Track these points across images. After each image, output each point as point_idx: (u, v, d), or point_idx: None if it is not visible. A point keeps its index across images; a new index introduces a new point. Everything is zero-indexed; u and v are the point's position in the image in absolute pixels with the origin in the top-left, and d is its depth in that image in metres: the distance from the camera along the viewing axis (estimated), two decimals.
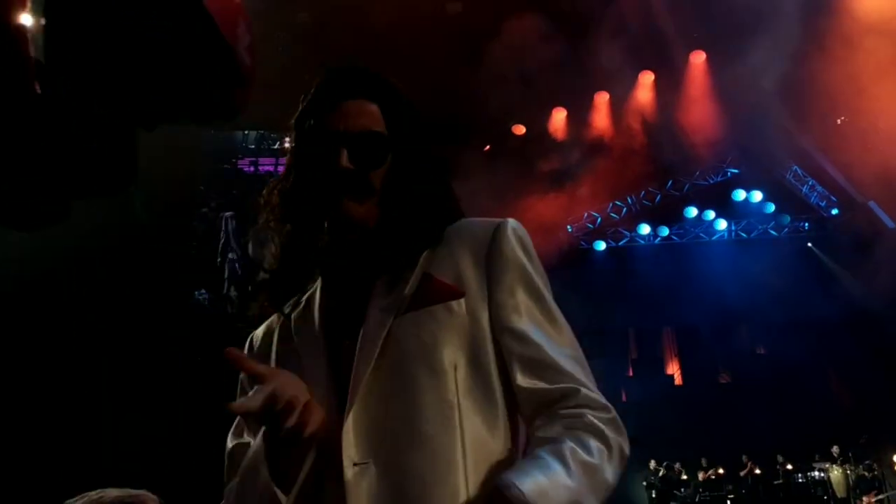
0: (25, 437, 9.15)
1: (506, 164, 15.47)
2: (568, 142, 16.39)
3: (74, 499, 1.98)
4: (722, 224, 18.18)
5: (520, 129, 16.42)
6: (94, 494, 1.99)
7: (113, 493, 2.00)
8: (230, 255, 13.36)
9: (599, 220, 18.44)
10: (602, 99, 16.46)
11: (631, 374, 19.21)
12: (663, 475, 16.24)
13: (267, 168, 16.07)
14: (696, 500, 15.51)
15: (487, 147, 15.92)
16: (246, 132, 16.12)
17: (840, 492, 15.10)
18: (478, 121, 14.80)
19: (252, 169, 16.07)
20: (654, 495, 16.13)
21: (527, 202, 15.94)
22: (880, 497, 14.33)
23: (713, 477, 16.31)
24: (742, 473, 16.23)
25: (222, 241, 13.43)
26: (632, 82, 16.14)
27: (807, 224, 18.24)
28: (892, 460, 15.73)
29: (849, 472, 15.17)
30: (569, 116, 16.57)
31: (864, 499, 14.36)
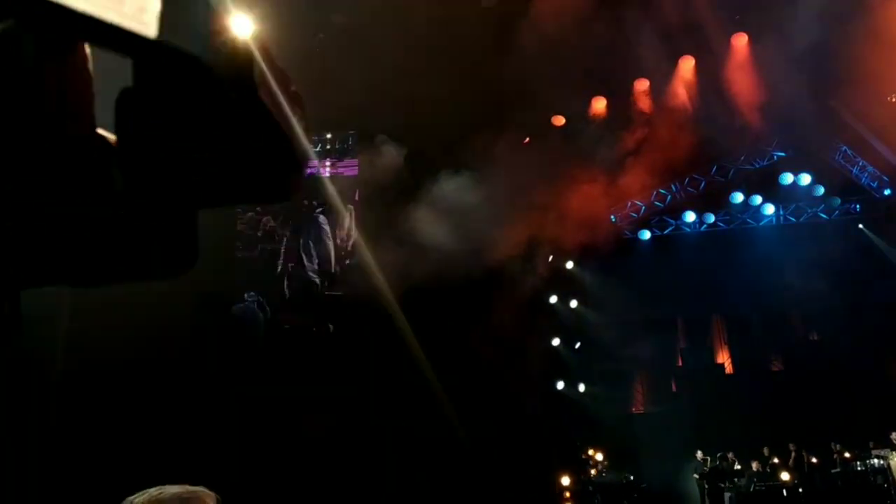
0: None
1: (546, 156, 15.41)
2: (608, 131, 16.23)
3: (135, 495, 2.03)
4: (770, 209, 17.83)
5: (559, 120, 16.31)
6: (154, 491, 2.04)
7: (172, 489, 2.04)
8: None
9: (644, 208, 18.24)
10: (642, 86, 16.28)
11: (680, 363, 18.98)
12: (714, 466, 16.02)
13: (310, 171, 16.21)
14: (751, 489, 15.23)
15: (527, 139, 15.83)
16: None
17: None
18: (518, 112, 14.74)
19: None
20: (706, 486, 15.91)
21: (569, 194, 15.84)
22: None
23: (768, 467, 16.01)
24: (791, 462, 15.90)
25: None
26: (672, 68, 15.93)
27: (858, 206, 17.78)
28: None
29: None
30: (609, 105, 16.41)
31: None
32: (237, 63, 0.63)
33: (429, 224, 14.40)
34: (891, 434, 15.11)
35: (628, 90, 16.28)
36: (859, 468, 15.18)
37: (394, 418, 13.63)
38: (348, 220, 15.82)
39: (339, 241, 15.77)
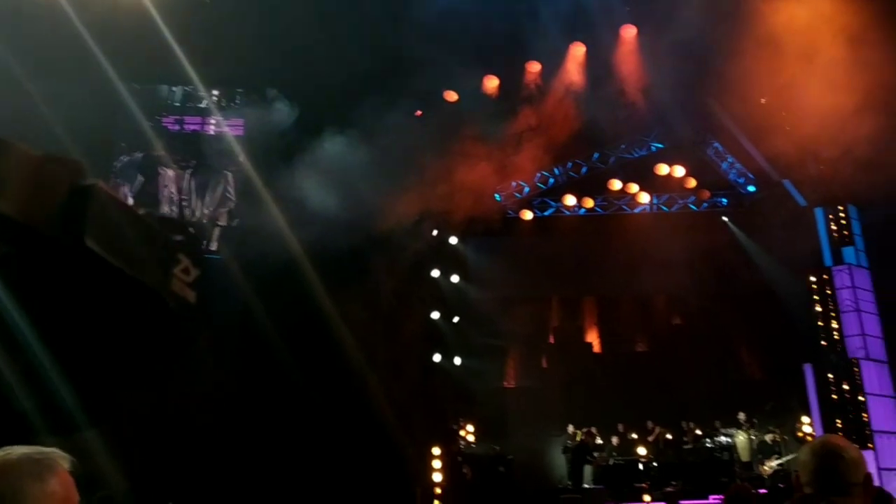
0: None
1: (436, 130, 15.43)
2: (499, 110, 16.42)
3: None
4: (645, 197, 18.60)
5: (452, 96, 16.35)
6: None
7: (20, 449, 1.89)
8: None
9: (527, 189, 18.63)
10: (533, 69, 16.54)
11: (552, 341, 19.62)
12: (581, 440, 16.75)
13: (193, 127, 15.55)
14: (611, 463, 16.04)
15: (419, 112, 15.80)
16: (172, 88, 15.52)
17: (744, 456, 15.87)
18: (411, 83, 14.66)
19: (177, 127, 15.51)
20: (570, 459, 16.62)
21: (456, 169, 15.94)
22: (780, 461, 15.12)
23: (627, 442, 16.88)
24: (650, 438, 16.86)
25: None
26: (563, 54, 16.26)
27: (725, 200, 18.85)
28: (793, 427, 16.61)
29: (753, 437, 15.94)
30: (501, 85, 16.59)
31: (766, 463, 15.14)
32: (64, 214, 0.59)
33: (314, 188, 14.14)
34: (738, 414, 16.27)
35: (520, 72, 16.51)
36: (708, 444, 16.27)
37: (262, 387, 13.41)
38: (229, 181, 15.32)
39: (219, 202, 15.26)
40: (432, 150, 15.41)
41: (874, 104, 13.44)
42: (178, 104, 15.55)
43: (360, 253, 14.71)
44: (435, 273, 17.66)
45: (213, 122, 15.42)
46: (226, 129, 15.31)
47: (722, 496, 13.44)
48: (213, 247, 15.03)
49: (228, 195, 15.18)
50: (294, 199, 14.15)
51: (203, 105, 15.46)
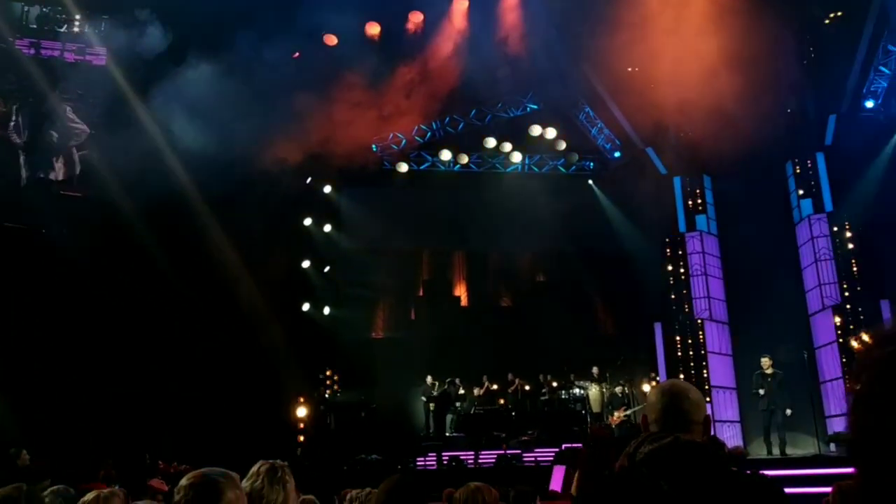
0: None
1: (314, 73, 15.08)
2: (379, 58, 16.21)
3: None
4: (517, 157, 19.01)
5: (331, 40, 15.97)
6: None
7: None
8: None
9: (404, 142, 18.60)
10: (416, 18, 16.42)
11: (421, 293, 19.89)
12: (443, 390, 17.21)
13: (51, 52, 14.38)
14: (472, 412, 16.58)
15: (297, 54, 15.35)
16: (26, 8, 14.24)
17: (596, 407, 16.84)
18: (289, 24, 14.22)
19: (33, 51, 14.31)
20: (431, 408, 17.06)
21: (333, 115, 15.70)
22: (628, 412, 16.17)
23: (486, 392, 17.49)
24: (510, 390, 17.56)
25: None
26: (447, 7, 16.22)
27: (592, 164, 19.58)
28: (640, 381, 17.77)
29: (604, 390, 16.92)
30: (382, 33, 16.36)
31: (616, 413, 16.14)
32: None
33: (182, 121, 13.50)
34: (592, 368, 17.20)
35: (403, 20, 16.35)
36: (563, 396, 17.14)
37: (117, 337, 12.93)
38: (88, 115, 14.36)
39: (78, 136, 14.31)
40: (308, 93, 15.08)
41: (728, 80, 14.30)
42: (34, 26, 14.31)
43: (227, 195, 14.28)
44: (307, 221, 17.42)
45: (73, 49, 14.34)
46: (88, 58, 14.29)
47: (574, 444, 14.28)
48: (59, 177, 14.10)
49: (75, 125, 14.20)
50: (159, 133, 13.48)
51: (63, 30, 14.33)
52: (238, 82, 13.70)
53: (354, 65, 15.84)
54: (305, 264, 17.05)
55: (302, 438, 15.52)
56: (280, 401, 15.18)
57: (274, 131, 14.48)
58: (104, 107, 14.21)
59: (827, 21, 16.47)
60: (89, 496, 3.70)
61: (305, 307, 16.74)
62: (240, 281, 14.60)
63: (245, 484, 2.51)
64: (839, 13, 16.16)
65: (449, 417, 17.19)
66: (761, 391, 13.81)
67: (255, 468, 2.85)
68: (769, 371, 13.94)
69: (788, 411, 13.81)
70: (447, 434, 16.58)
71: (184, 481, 2.21)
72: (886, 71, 16.42)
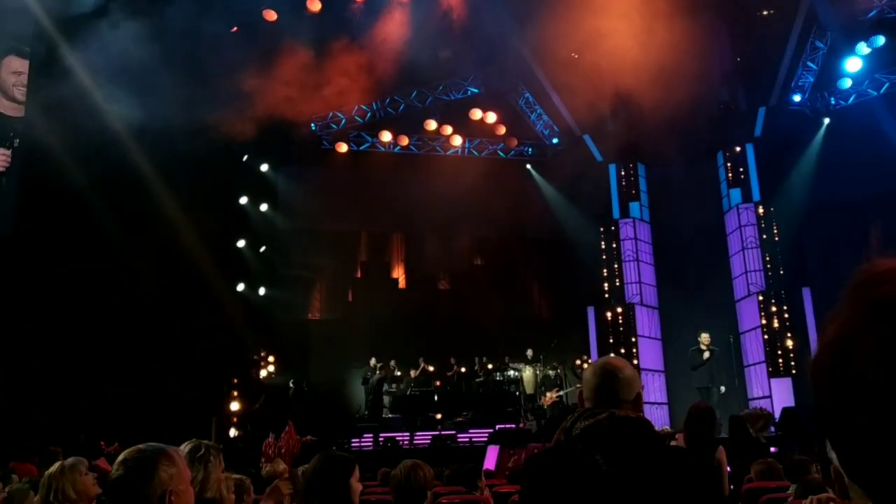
0: None
1: (252, 48, 14.79)
2: (319, 36, 15.98)
3: None
4: (458, 140, 19.03)
5: (271, 15, 15.66)
6: None
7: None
8: None
9: (344, 121, 18.42)
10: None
11: (359, 275, 19.82)
12: (380, 373, 17.24)
13: None
14: (408, 394, 16.67)
15: (235, 28, 15.01)
16: None
17: (529, 389, 17.12)
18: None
19: None
20: (369, 390, 17.08)
21: (271, 92, 15.44)
22: (560, 393, 16.50)
23: (423, 374, 17.61)
24: (449, 374, 17.72)
25: None
26: None
27: (530, 149, 19.76)
28: (573, 363, 18.14)
29: (538, 372, 17.21)
30: (323, 9, 16.10)
31: (548, 394, 16.44)
32: None
33: (108, 88, 13.03)
34: (526, 350, 17.46)
35: None
36: (498, 378, 17.37)
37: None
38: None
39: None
40: (246, 69, 14.78)
41: (663, 70, 14.61)
42: None
43: (157, 169, 13.92)
44: (243, 200, 17.13)
45: None
46: None
47: (508, 425, 14.52)
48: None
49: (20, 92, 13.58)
50: (84, 100, 12.98)
51: None
52: (171, 53, 13.31)
53: (294, 41, 15.58)
54: (241, 244, 16.77)
55: (235, 420, 15.34)
56: (213, 382, 14.95)
57: (209, 106, 14.17)
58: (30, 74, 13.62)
59: (759, 16, 16.94)
60: (54, 467, 3.71)
61: (240, 287, 16.49)
62: (171, 260, 14.28)
63: None
64: (771, 10, 16.63)
65: (385, 398, 17.25)
66: (705, 355, 14.21)
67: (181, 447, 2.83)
68: (706, 348, 14.37)
69: (722, 388, 14.35)
70: (383, 415, 16.63)
71: (121, 456, 2.19)
72: (814, 66, 17.03)
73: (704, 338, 14.49)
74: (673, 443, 6.33)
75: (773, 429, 11.95)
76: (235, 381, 15.78)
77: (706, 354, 14.38)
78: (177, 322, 14.15)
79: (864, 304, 0.69)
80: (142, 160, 13.75)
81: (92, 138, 12.59)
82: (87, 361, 12.78)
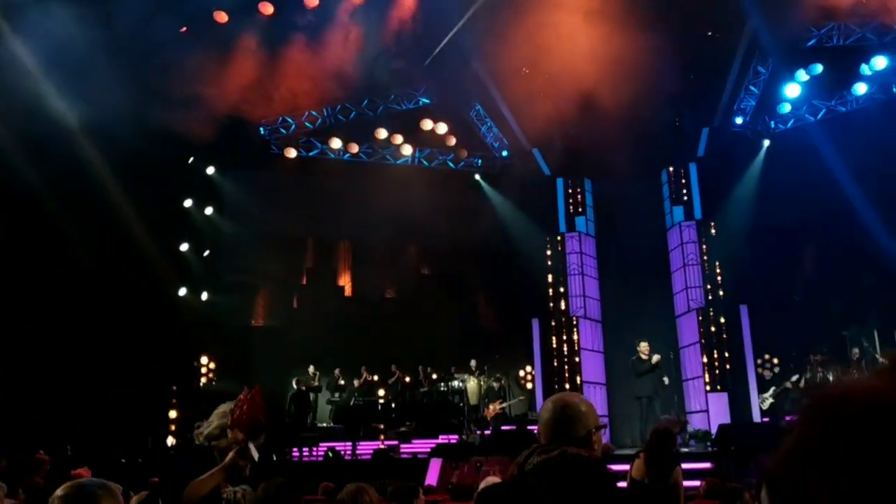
0: None
1: (201, 50, 14.57)
2: (270, 39, 15.84)
3: None
4: (408, 149, 19.03)
5: (221, 17, 15.45)
6: None
7: None
8: None
9: (294, 127, 18.24)
10: (312, 2, 16.14)
11: (305, 282, 19.63)
12: (326, 381, 17.11)
13: None
14: (351, 403, 16.55)
15: (184, 28, 14.75)
16: None
17: (473, 400, 17.17)
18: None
19: None
20: (311, 398, 16.93)
21: (220, 95, 15.24)
22: (503, 405, 16.61)
23: (367, 383, 17.51)
24: (390, 381, 17.67)
25: None
26: None
27: (480, 161, 19.87)
28: (517, 375, 18.30)
29: (482, 383, 17.29)
30: (276, 12, 15.97)
31: (491, 406, 16.53)
32: None
33: (48, 84, 12.64)
34: (471, 362, 17.53)
35: (299, 2, 16.04)
36: (442, 388, 17.38)
37: None
38: None
39: None
40: (194, 70, 14.54)
41: (612, 88, 14.90)
42: None
43: (98, 169, 13.57)
44: (187, 202, 16.81)
45: None
46: None
47: (451, 436, 14.53)
48: None
49: None
50: (21, 93, 12.55)
51: None
52: (117, 48, 12.99)
53: (244, 44, 15.40)
54: (184, 247, 16.44)
55: (174, 428, 15.00)
56: (151, 389, 14.59)
57: (154, 105, 13.88)
58: None
59: (705, 39, 17.40)
60: None
61: (182, 292, 16.16)
62: (109, 262, 13.92)
63: None
64: (717, 34, 17.10)
65: (329, 408, 17.11)
66: (654, 358, 14.37)
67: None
68: (646, 357, 14.54)
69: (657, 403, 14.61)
70: (323, 425, 16.49)
71: (59, 492, 2.10)
72: (755, 90, 17.58)
73: (643, 347, 14.65)
74: (636, 461, 6.43)
75: (680, 439, 12.26)
76: (175, 388, 15.45)
77: (655, 358, 14.55)
78: (114, 326, 13.79)
79: (819, 424, 0.74)
80: (82, 158, 13.38)
81: (27, 133, 12.20)
82: (16, 367, 12.36)
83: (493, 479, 4.77)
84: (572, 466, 1.97)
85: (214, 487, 3.07)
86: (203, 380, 16.47)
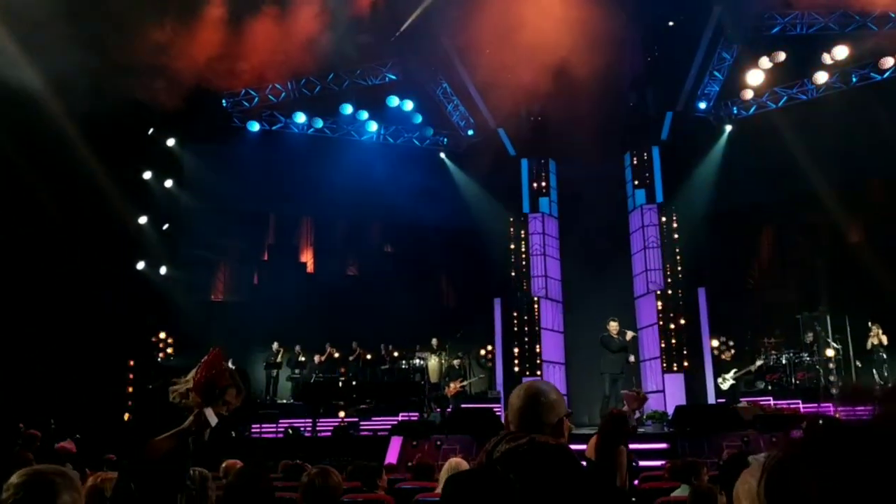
0: None
1: (165, 13, 14.23)
2: (234, 9, 15.50)
3: None
4: (373, 126, 18.84)
5: None
6: None
7: None
8: None
9: (257, 99, 17.92)
10: None
11: (266, 258, 19.43)
12: (287, 357, 17.03)
13: None
14: (311, 380, 16.50)
15: None
16: None
17: (434, 377, 17.24)
18: None
19: None
20: (273, 374, 16.86)
21: (180, 65, 14.91)
22: (464, 384, 16.71)
23: (328, 360, 17.46)
24: (351, 358, 17.64)
25: None
26: None
27: (445, 139, 19.78)
28: (478, 353, 18.39)
29: (443, 361, 17.36)
30: None
31: (452, 384, 16.61)
32: None
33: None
34: (432, 340, 17.58)
35: None
36: (403, 366, 17.41)
37: None
38: None
39: None
40: (154, 37, 14.20)
41: (577, 70, 14.93)
42: None
43: (52, 137, 13.20)
44: (146, 175, 16.48)
45: None
46: None
47: (412, 413, 14.57)
48: None
49: None
50: None
51: None
52: (75, 14, 12.59)
53: (208, 12, 15.06)
54: (142, 220, 16.14)
55: (130, 403, 14.81)
56: (107, 364, 14.37)
57: (113, 74, 13.52)
58: None
59: (671, 24, 17.50)
60: None
61: (140, 266, 15.88)
62: (64, 234, 13.62)
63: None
64: (682, 18, 17.20)
65: (288, 384, 17.05)
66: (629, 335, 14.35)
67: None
68: (616, 335, 14.44)
69: (631, 358, 14.72)
70: (284, 401, 16.43)
71: (15, 478, 2.02)
72: (719, 76, 17.75)
73: (613, 326, 14.35)
74: (591, 440, 6.58)
75: (638, 413, 12.48)
76: (132, 363, 15.23)
77: (629, 335, 14.42)
78: (68, 300, 13.52)
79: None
80: (37, 126, 13.00)
81: None
82: None
83: (456, 461, 4.79)
84: (541, 455, 1.98)
85: (178, 451, 2.97)
86: (161, 355, 16.24)
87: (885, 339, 14.58)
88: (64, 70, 12.31)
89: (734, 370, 16.05)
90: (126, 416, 14.49)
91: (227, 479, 3.02)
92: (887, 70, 16.09)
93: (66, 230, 13.70)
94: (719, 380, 15.99)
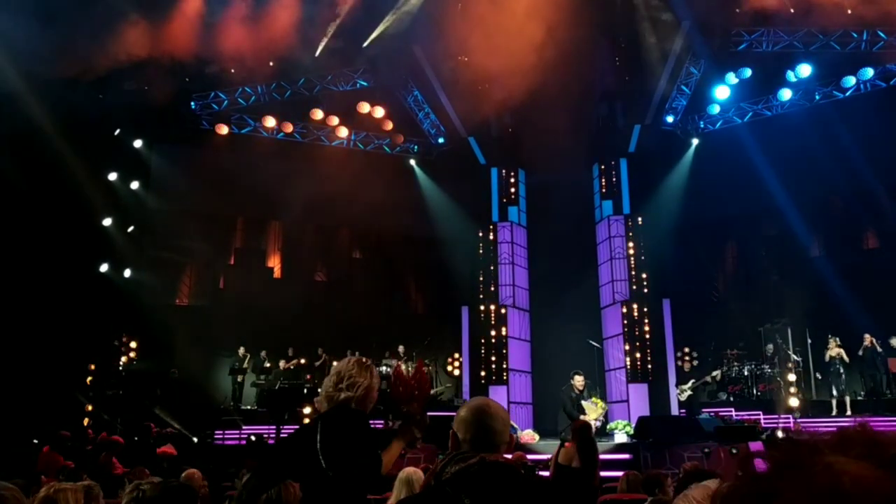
0: None
1: (135, 11, 14.10)
2: (205, 10, 15.40)
3: None
4: (344, 132, 18.78)
5: None
6: None
7: None
8: None
9: (226, 102, 17.79)
10: None
11: (233, 262, 19.25)
12: (252, 363, 16.88)
13: None
14: (276, 387, 16.36)
15: None
16: None
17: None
18: None
19: None
20: (238, 380, 16.70)
21: (149, 66, 14.78)
22: (433, 392, 16.68)
23: (293, 366, 17.35)
24: (317, 364, 17.53)
25: None
26: None
27: (416, 147, 19.79)
28: (445, 361, 18.39)
29: (410, 369, 17.29)
30: None
31: None
32: None
33: None
34: (399, 347, 17.54)
35: None
36: None
37: None
38: None
39: None
40: (124, 39, 14.04)
41: (548, 81, 15.04)
42: None
43: (22, 141, 13.01)
44: (112, 176, 16.26)
45: None
46: None
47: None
48: None
49: None
50: None
51: None
52: (40, 10, 12.42)
53: (179, 11, 14.94)
54: (107, 222, 15.91)
55: (90, 407, 14.56)
56: (68, 367, 14.12)
57: (79, 73, 13.36)
58: None
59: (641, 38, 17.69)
60: None
61: (103, 268, 15.65)
62: (26, 235, 13.38)
63: None
64: (653, 34, 17.41)
65: (253, 390, 16.89)
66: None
67: None
68: (580, 392, 13.12)
69: None
70: (247, 407, 16.28)
71: None
72: (687, 90, 18.00)
73: (578, 381, 12.99)
74: (562, 449, 6.76)
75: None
76: (93, 367, 14.99)
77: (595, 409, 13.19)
78: (29, 302, 13.27)
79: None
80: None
81: None
82: None
83: (411, 470, 4.79)
84: (491, 475, 1.99)
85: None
86: (124, 359, 16.00)
87: (843, 352, 14.85)
88: (24, 67, 12.12)
89: (692, 381, 16.25)
90: (86, 421, 14.22)
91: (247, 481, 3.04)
92: (849, 89, 16.46)
93: (28, 230, 13.47)
94: (677, 391, 16.17)
